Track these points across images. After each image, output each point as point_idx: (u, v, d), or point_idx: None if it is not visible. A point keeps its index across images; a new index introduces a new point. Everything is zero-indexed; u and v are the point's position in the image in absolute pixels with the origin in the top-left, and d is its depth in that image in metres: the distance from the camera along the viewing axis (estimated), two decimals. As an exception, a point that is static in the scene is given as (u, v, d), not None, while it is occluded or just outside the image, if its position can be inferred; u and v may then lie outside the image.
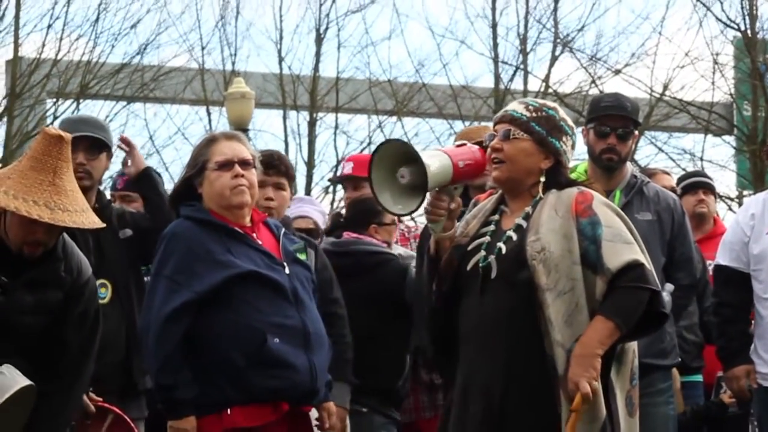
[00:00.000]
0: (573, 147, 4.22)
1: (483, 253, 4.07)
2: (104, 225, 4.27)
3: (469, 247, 4.11)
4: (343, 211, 6.26)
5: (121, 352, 4.89)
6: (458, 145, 4.17)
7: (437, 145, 17.15)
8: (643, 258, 4.00)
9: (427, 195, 4.05)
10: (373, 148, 20.50)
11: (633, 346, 4.11)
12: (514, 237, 4.05)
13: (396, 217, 6.01)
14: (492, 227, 4.14)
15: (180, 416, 4.27)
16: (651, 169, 7.36)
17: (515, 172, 4.11)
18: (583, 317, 3.94)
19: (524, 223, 4.07)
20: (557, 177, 4.14)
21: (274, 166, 5.23)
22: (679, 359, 5.55)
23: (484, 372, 4.00)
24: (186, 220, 4.47)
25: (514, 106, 4.20)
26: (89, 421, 4.66)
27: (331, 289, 5.22)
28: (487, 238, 4.10)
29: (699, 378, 6.48)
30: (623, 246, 3.99)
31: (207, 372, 4.29)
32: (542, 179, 4.11)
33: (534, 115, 4.13)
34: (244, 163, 4.50)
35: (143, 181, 5.30)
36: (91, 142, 5.15)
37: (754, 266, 5.29)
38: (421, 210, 4.13)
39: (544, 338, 3.92)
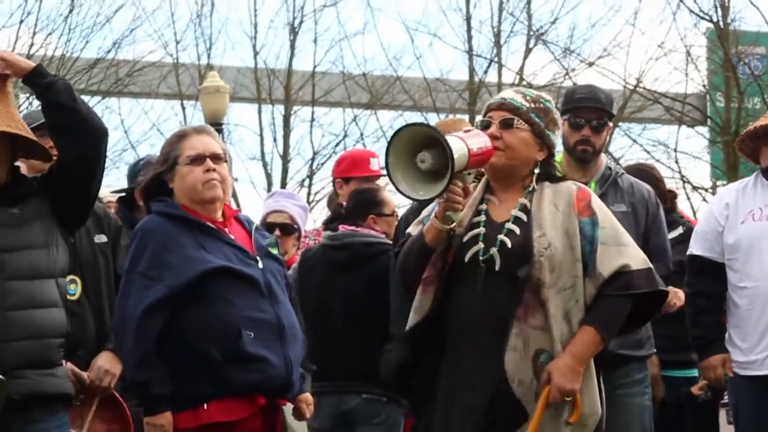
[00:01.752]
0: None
1: (481, 245, 4.04)
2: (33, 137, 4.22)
3: (465, 238, 4.07)
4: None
5: (92, 350, 4.84)
6: (466, 131, 4.14)
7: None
8: (634, 260, 4.03)
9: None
10: (348, 141, 20.34)
11: None
12: (517, 230, 4.03)
13: (396, 208, 6.03)
14: (483, 217, 4.11)
15: (156, 412, 4.25)
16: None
17: (513, 160, 4.11)
18: (581, 315, 3.98)
19: (523, 216, 4.06)
20: (549, 169, 4.16)
21: None
22: (654, 350, 5.58)
23: (481, 363, 3.98)
24: (157, 215, 4.44)
25: (512, 95, 4.18)
26: (82, 395, 4.64)
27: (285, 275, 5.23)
28: (482, 229, 4.07)
29: (679, 373, 6.49)
30: (616, 249, 4.02)
31: (182, 367, 4.26)
32: (536, 171, 4.12)
33: (533, 105, 4.14)
34: (216, 157, 4.48)
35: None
36: None
37: (729, 255, 5.31)
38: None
39: (542, 333, 3.93)
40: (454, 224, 4.01)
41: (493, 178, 4.18)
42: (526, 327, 3.93)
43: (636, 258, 4.05)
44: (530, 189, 4.11)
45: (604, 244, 4.02)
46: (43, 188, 4.23)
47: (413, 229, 4.22)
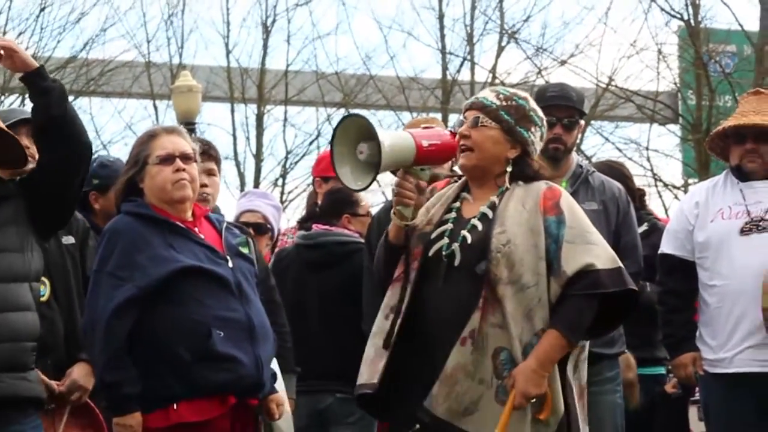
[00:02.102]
0: (542, 138, 4.23)
1: (446, 240, 4.05)
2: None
3: (433, 235, 4.08)
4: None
5: (61, 352, 4.80)
6: (425, 127, 4.14)
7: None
8: (602, 259, 3.99)
9: (393, 175, 4.03)
10: (321, 140, 20.27)
11: (586, 344, 4.15)
12: (480, 226, 4.03)
13: (370, 208, 6.05)
14: (453, 214, 4.12)
15: (125, 412, 4.24)
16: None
17: (482, 159, 4.11)
18: (544, 313, 3.95)
19: (490, 213, 4.05)
20: (523, 167, 4.14)
21: (205, 152, 5.22)
22: (625, 348, 5.60)
23: (439, 360, 3.96)
24: (127, 215, 4.43)
25: (485, 94, 4.19)
26: (52, 405, 4.62)
27: (268, 277, 5.23)
28: (450, 225, 4.08)
29: (645, 371, 6.52)
30: (583, 248, 3.99)
31: (152, 367, 4.25)
32: (509, 169, 4.11)
33: (504, 103, 4.12)
34: (185, 157, 4.47)
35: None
36: None
37: (699, 254, 5.33)
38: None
39: (501, 331, 3.91)
40: (412, 221, 4.05)
41: (468, 177, 4.19)
42: (486, 324, 3.93)
43: (603, 257, 4.01)
44: (503, 189, 4.10)
45: (570, 243, 3.98)
46: (22, 191, 4.21)
47: None
